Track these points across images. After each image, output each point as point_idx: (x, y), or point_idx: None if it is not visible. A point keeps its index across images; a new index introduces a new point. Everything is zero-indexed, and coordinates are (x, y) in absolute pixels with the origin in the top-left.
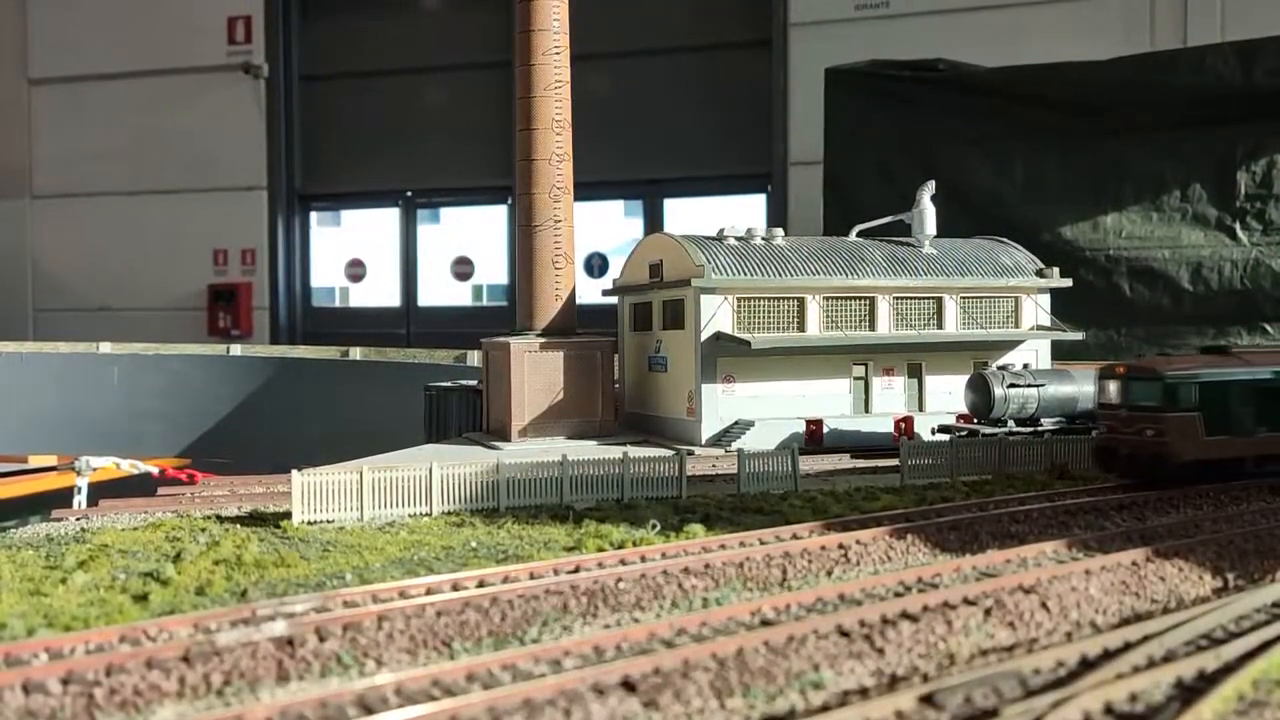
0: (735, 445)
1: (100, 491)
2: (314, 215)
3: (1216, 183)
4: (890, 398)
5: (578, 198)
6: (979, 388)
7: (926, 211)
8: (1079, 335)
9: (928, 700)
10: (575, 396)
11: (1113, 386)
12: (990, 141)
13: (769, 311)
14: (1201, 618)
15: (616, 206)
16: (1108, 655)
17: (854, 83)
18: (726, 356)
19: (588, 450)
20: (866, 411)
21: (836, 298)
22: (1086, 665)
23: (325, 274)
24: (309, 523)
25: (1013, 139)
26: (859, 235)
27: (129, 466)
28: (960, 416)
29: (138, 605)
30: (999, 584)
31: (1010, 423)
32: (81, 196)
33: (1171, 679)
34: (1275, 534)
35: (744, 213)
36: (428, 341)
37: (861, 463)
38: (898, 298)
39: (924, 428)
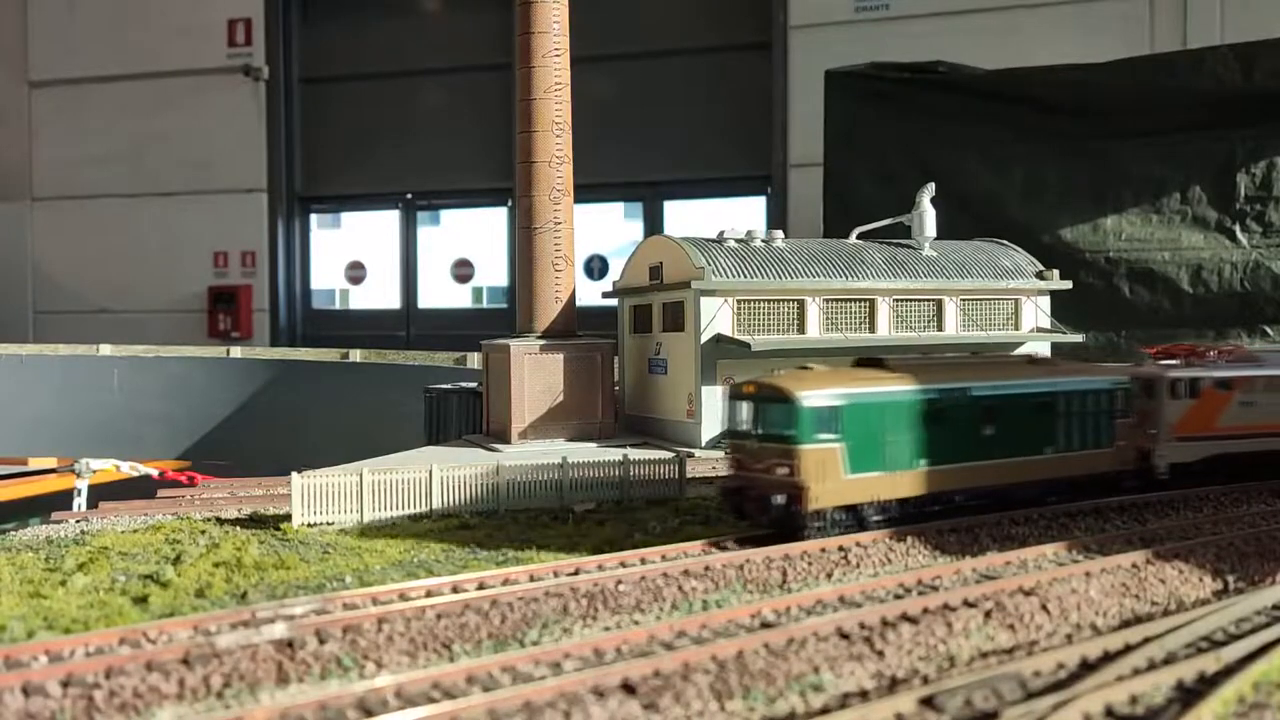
0: None
1: (100, 494)
2: (314, 217)
3: (1216, 185)
4: None
5: (578, 200)
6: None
7: (926, 214)
8: (1079, 337)
9: (928, 703)
10: (575, 399)
11: (744, 409)
12: (990, 144)
13: (769, 314)
14: (1202, 620)
15: (616, 209)
16: (1108, 657)
17: (854, 85)
18: (726, 359)
19: (588, 452)
20: None
21: (836, 300)
22: (1087, 667)
23: (325, 276)
24: (309, 525)
25: (1012, 141)
26: (859, 237)
27: (129, 469)
28: None
29: (137, 608)
30: (999, 586)
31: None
32: (82, 199)
33: (1172, 681)
34: (1276, 536)
35: (744, 215)
36: (428, 344)
37: None
38: (898, 300)
39: None
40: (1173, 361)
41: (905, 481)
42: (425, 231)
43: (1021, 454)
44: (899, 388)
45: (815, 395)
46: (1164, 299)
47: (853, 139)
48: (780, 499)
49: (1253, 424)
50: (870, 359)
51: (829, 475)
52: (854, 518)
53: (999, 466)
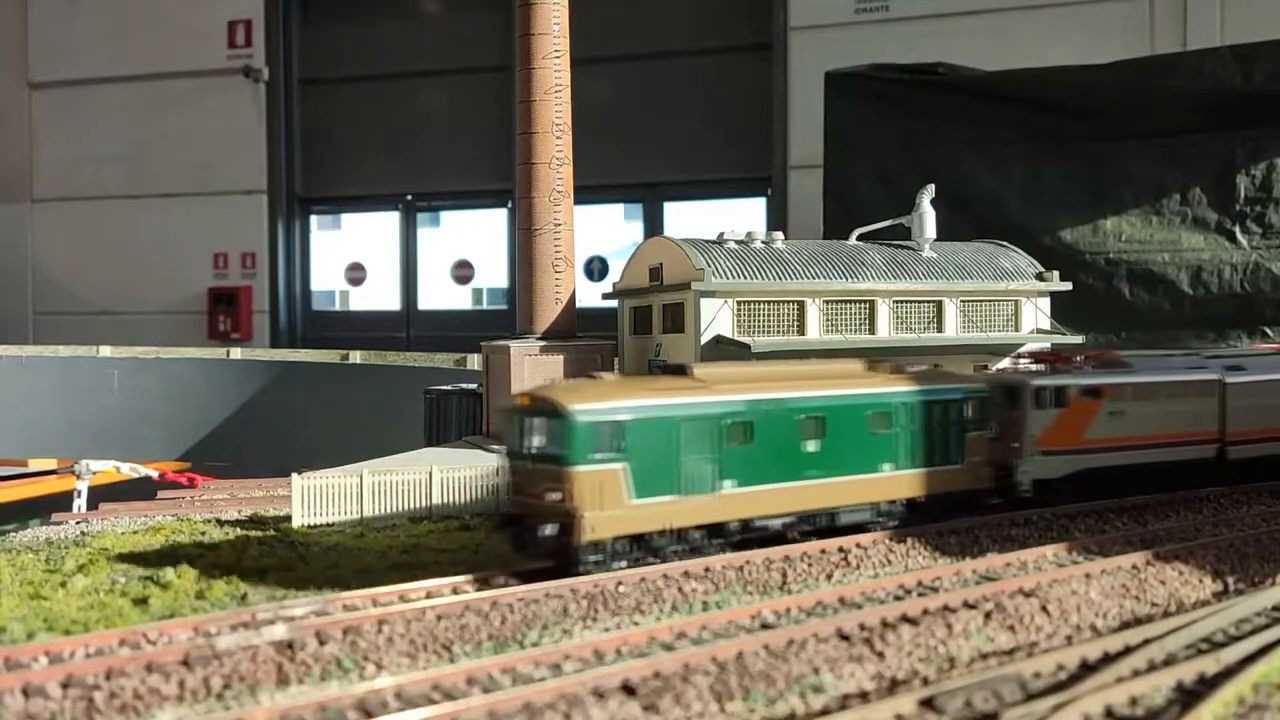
0: None
1: (100, 495)
2: (314, 219)
3: (1216, 186)
4: None
5: (578, 201)
6: None
7: (926, 215)
8: (1079, 339)
9: (928, 704)
10: None
11: (519, 425)
12: (990, 145)
13: (769, 315)
14: (1201, 621)
15: (616, 210)
16: (1108, 659)
17: (854, 86)
18: (726, 360)
19: None
20: None
21: (836, 301)
22: (1087, 669)
23: (325, 277)
24: (309, 526)
25: (1012, 142)
26: (859, 238)
27: (129, 470)
28: None
29: (137, 609)
30: (999, 587)
31: None
32: (82, 200)
33: (1171, 682)
34: (1275, 538)
35: (744, 216)
36: (428, 345)
37: None
38: (897, 301)
39: None
40: (1039, 368)
41: (707, 507)
42: (425, 233)
43: (853, 472)
44: (698, 399)
45: (592, 409)
46: (1164, 300)
47: (853, 140)
48: (549, 529)
49: (1122, 436)
50: (674, 366)
51: (609, 501)
52: (644, 549)
53: (825, 487)
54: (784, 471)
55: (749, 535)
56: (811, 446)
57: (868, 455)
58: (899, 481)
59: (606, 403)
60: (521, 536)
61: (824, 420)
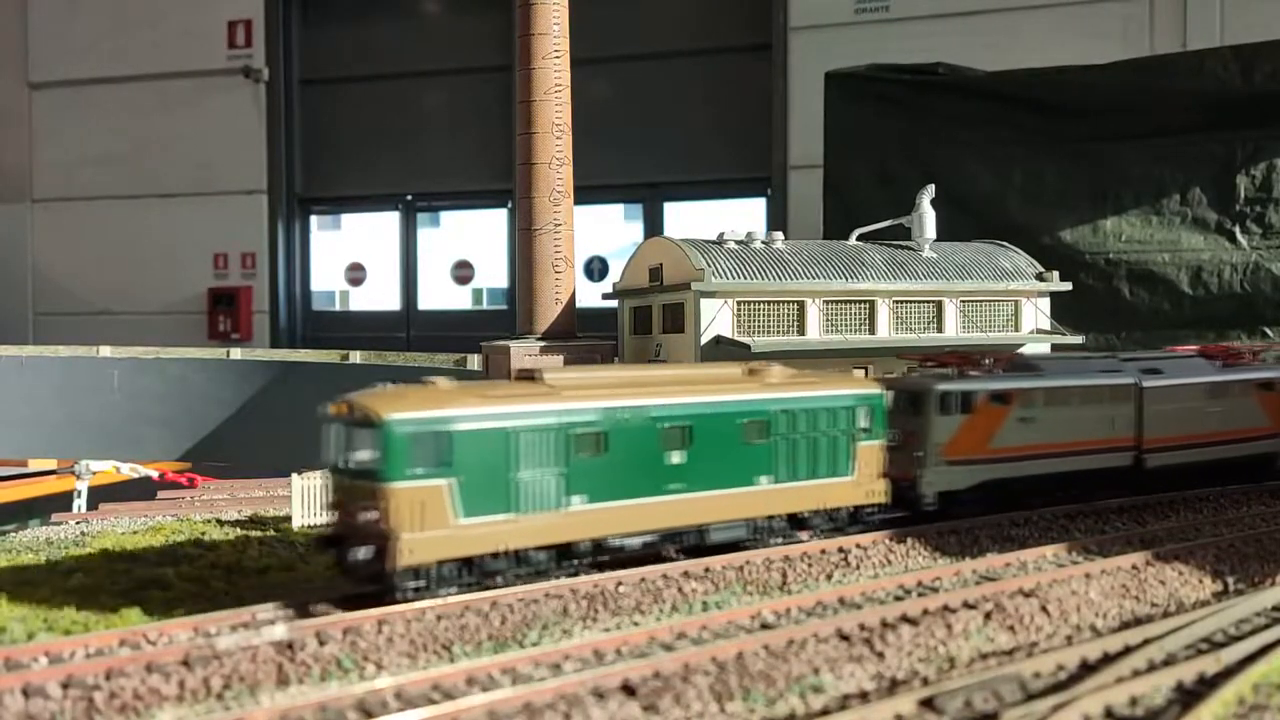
0: None
1: (100, 495)
2: (314, 219)
3: (1216, 186)
4: None
5: (578, 201)
6: None
7: (926, 215)
8: (1079, 339)
9: (928, 704)
10: None
11: (334, 436)
12: (990, 145)
13: (769, 315)
14: (1201, 621)
15: (616, 210)
16: (1108, 659)
17: (854, 87)
18: (726, 360)
19: None
20: None
21: (836, 301)
22: (1086, 669)
23: (325, 278)
24: (309, 526)
25: (1012, 143)
26: (859, 239)
27: (129, 470)
28: None
29: (137, 609)
30: (999, 587)
31: None
32: (82, 200)
33: (1171, 683)
34: (1275, 538)
35: (744, 216)
36: (428, 345)
37: None
38: (897, 301)
39: None
40: (944, 371)
41: (552, 526)
42: (425, 233)
43: (724, 486)
44: (540, 407)
45: (411, 418)
46: (1164, 301)
47: (853, 140)
48: (364, 552)
49: (1032, 444)
50: (525, 372)
51: (431, 521)
52: (476, 573)
53: (692, 503)
54: (643, 486)
55: (606, 556)
56: (676, 458)
57: (741, 467)
58: (778, 496)
59: (429, 411)
60: (341, 559)
61: (690, 429)
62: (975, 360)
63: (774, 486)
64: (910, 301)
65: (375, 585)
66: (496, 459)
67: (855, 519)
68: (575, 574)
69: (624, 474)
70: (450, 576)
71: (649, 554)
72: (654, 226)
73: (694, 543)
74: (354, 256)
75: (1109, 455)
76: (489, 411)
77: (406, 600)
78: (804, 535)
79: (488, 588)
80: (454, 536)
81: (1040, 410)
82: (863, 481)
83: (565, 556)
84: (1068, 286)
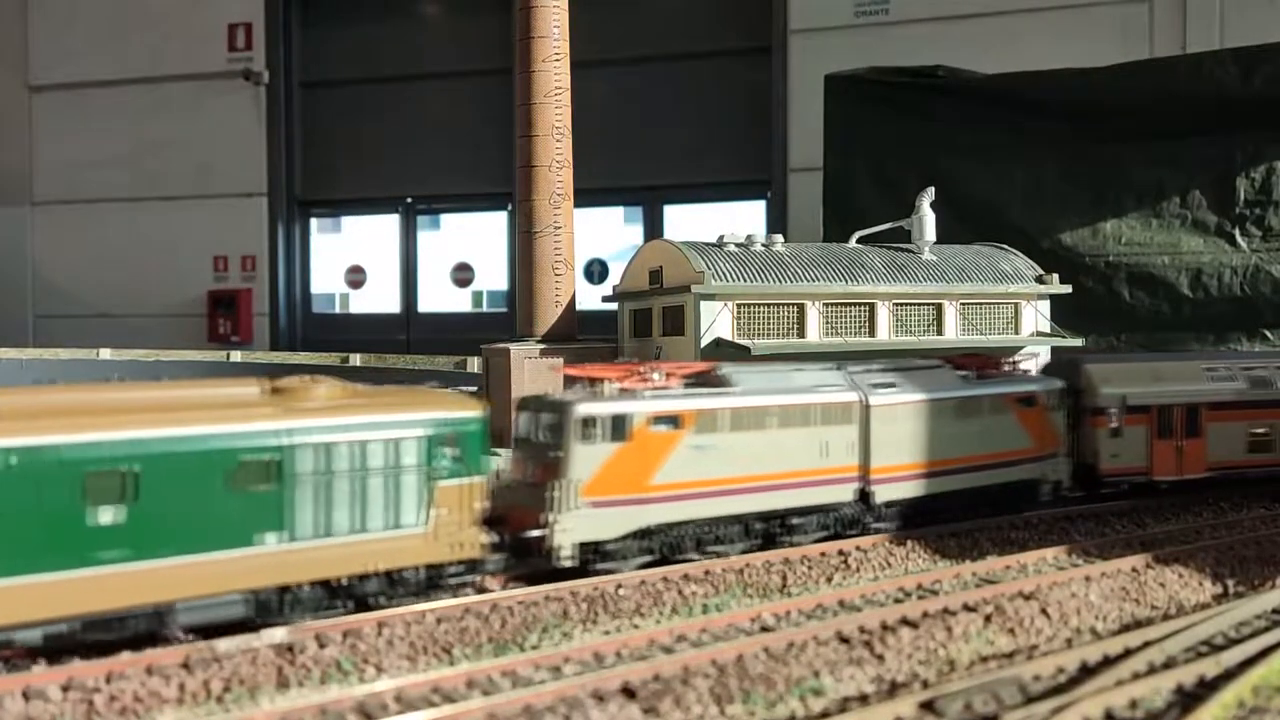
0: None
1: None
2: (314, 222)
3: (1216, 189)
4: None
5: (578, 204)
6: None
7: (926, 218)
8: (1078, 341)
9: (928, 707)
10: None
11: None
12: (990, 148)
13: (769, 318)
14: (1202, 624)
15: (616, 213)
16: (1108, 661)
17: (853, 89)
18: (726, 363)
19: None
20: None
21: (836, 304)
22: (1087, 671)
23: (325, 280)
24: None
25: (1012, 145)
26: (859, 241)
27: None
28: None
29: None
30: (999, 590)
31: None
32: (82, 203)
33: (1172, 685)
34: (1275, 540)
35: (744, 219)
36: (428, 348)
37: None
38: (897, 304)
39: None
40: (605, 386)
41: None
42: (425, 236)
43: (199, 550)
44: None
45: None
46: (1164, 303)
47: (852, 143)
48: None
49: (712, 478)
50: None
51: None
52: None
53: (138, 577)
54: (50, 556)
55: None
56: (109, 515)
57: (232, 523)
58: (296, 559)
59: None
60: None
61: (135, 475)
62: (644, 374)
63: (289, 547)
64: (910, 304)
65: None
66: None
67: (433, 582)
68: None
69: (16, 540)
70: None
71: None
72: (654, 229)
73: (150, 628)
74: (354, 259)
75: (822, 489)
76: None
77: None
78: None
79: None
80: None
81: (725, 436)
82: (443, 533)
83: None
84: (1067, 289)
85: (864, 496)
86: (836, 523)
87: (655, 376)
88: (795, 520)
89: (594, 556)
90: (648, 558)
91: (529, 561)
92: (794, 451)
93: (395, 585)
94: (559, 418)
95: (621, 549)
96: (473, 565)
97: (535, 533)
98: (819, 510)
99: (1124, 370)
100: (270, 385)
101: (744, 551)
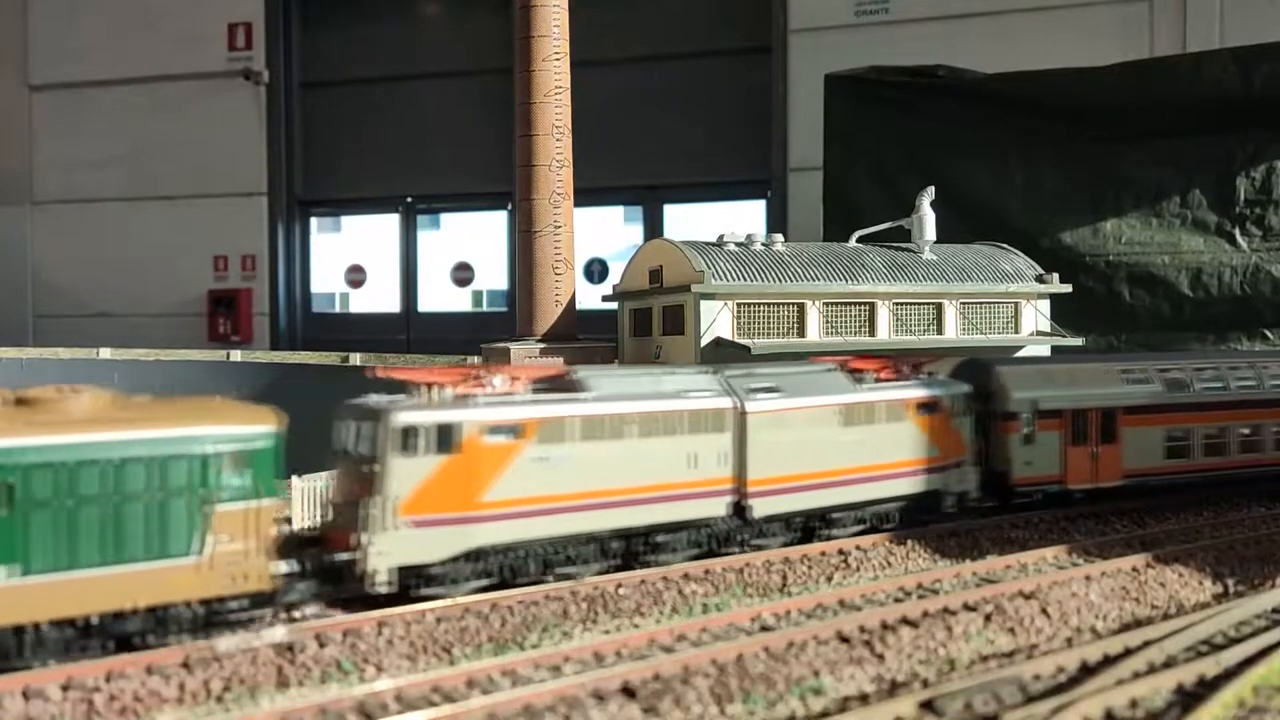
0: None
1: None
2: (314, 221)
3: (1216, 188)
4: None
5: (578, 203)
6: None
7: (926, 217)
8: (1079, 341)
9: (928, 706)
10: None
11: None
12: (990, 147)
13: (769, 317)
14: (1202, 624)
15: (616, 212)
16: (1108, 661)
17: (853, 89)
18: (726, 362)
19: None
20: None
21: (836, 303)
22: (1087, 671)
23: (325, 280)
24: (309, 527)
25: (1012, 144)
26: (859, 241)
27: None
28: None
29: None
30: (999, 590)
31: None
32: (82, 203)
33: (1172, 685)
34: (1275, 540)
35: (744, 218)
36: (428, 347)
37: None
38: (897, 303)
39: None
40: (437, 392)
41: None
42: (425, 235)
43: None
44: None
45: None
46: (1164, 303)
47: (852, 142)
48: None
49: (558, 494)
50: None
51: None
52: None
53: None
54: None
55: None
56: None
57: None
58: (26, 596)
59: None
60: None
61: None
62: (480, 378)
63: (21, 582)
64: (910, 304)
65: None
66: None
67: (212, 618)
68: None
69: None
70: None
71: None
72: (654, 229)
73: None
74: (354, 259)
75: (689, 503)
76: None
77: None
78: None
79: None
80: None
81: (575, 446)
82: (222, 564)
83: None
84: (1068, 289)
85: (740, 511)
86: (710, 539)
87: (496, 382)
88: (661, 538)
89: (418, 581)
90: (484, 581)
91: (348, 588)
92: (657, 463)
93: (164, 624)
94: (375, 427)
95: (450, 572)
96: (263, 598)
97: (346, 556)
98: (687, 526)
99: (1037, 373)
100: (14, 396)
101: (601, 573)
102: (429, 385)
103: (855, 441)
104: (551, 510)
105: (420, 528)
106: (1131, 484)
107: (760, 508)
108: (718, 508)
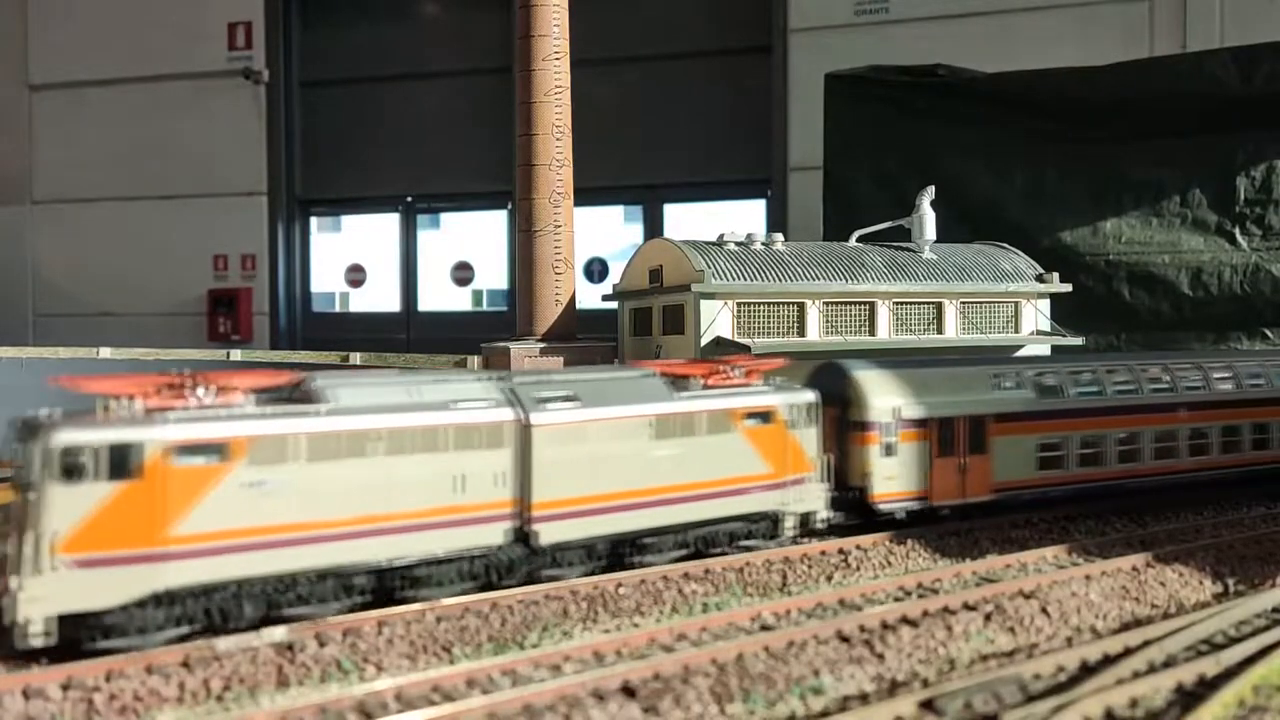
0: None
1: None
2: (314, 221)
3: (1216, 188)
4: None
5: (578, 203)
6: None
7: (926, 216)
8: (1079, 340)
9: (928, 706)
10: None
11: None
12: (990, 146)
13: (769, 316)
14: (1202, 623)
15: (616, 212)
16: (1108, 660)
17: (853, 88)
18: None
19: None
20: None
21: (836, 303)
22: (1087, 670)
23: (325, 279)
24: None
25: (1012, 144)
26: (859, 240)
27: None
28: None
29: None
30: (999, 589)
31: None
32: (81, 202)
33: (1172, 684)
34: (1275, 539)
35: (744, 218)
36: (428, 347)
37: None
38: (897, 303)
39: None
40: (121, 406)
41: None
42: (425, 234)
43: None
44: None
45: None
46: (1164, 302)
47: (852, 142)
48: None
49: (286, 524)
50: None
51: None
52: None
53: None
54: None
55: None
56: None
57: None
58: None
59: None
60: None
61: None
62: (178, 384)
63: None
64: (910, 303)
65: None
66: None
67: None
68: None
69: None
70: None
71: None
72: (654, 228)
73: None
74: (354, 258)
75: (455, 531)
76: None
77: None
78: None
79: None
80: None
81: (300, 468)
82: None
83: None
84: (1068, 288)
85: (524, 538)
86: (488, 570)
87: (200, 392)
88: (422, 571)
89: (93, 633)
90: (184, 629)
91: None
92: (412, 486)
93: None
94: (33, 448)
95: (132, 620)
96: None
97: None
98: (456, 559)
99: (899, 378)
100: None
101: (343, 611)
102: (114, 397)
103: (671, 457)
104: (268, 544)
105: (86, 568)
106: (1002, 499)
107: (548, 534)
108: (494, 535)
